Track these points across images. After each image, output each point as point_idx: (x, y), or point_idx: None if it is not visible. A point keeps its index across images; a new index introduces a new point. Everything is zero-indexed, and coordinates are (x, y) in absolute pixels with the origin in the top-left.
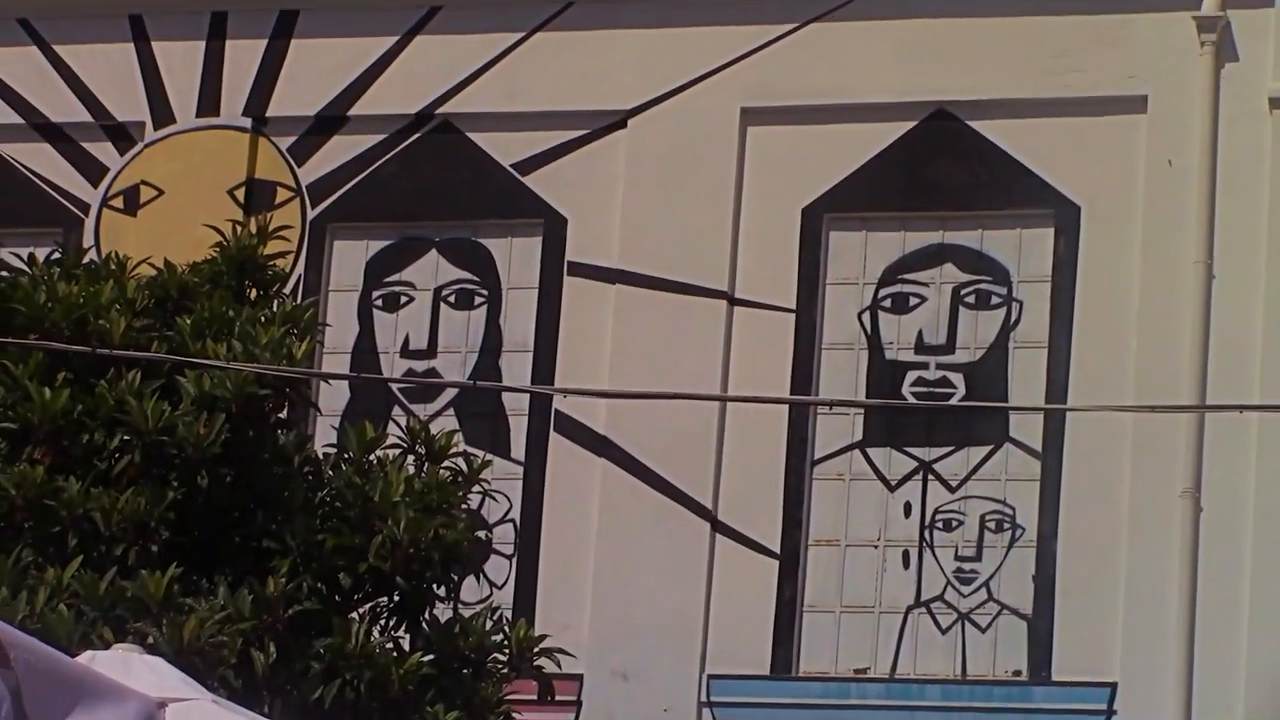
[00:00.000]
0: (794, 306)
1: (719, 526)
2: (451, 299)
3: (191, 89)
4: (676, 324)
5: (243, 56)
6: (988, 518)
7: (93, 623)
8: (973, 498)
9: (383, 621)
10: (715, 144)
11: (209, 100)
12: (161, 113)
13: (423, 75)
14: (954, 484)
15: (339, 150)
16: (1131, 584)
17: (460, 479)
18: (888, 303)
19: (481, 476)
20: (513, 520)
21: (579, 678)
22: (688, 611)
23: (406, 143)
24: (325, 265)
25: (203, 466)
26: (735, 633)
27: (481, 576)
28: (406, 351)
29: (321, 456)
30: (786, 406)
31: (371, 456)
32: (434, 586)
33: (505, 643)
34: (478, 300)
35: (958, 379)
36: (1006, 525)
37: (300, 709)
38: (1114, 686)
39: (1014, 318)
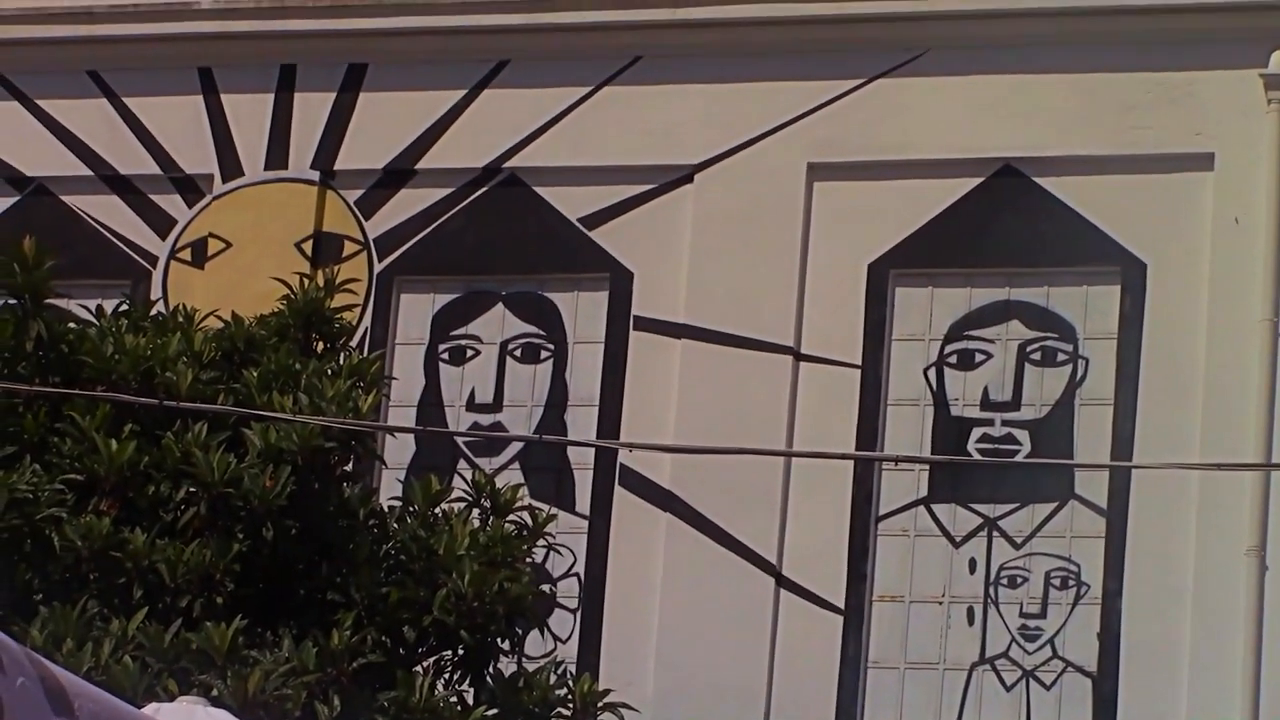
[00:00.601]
0: (859, 362)
1: (783, 581)
2: (517, 353)
3: (260, 142)
4: (742, 379)
5: (311, 109)
6: (1052, 575)
7: (157, 674)
8: (1038, 554)
9: (447, 675)
10: (781, 199)
11: (277, 153)
12: (230, 165)
13: (490, 129)
14: (1019, 540)
15: (406, 204)
16: (1196, 642)
17: (525, 533)
18: (953, 359)
19: (546, 530)
20: (577, 574)
21: None
22: (752, 666)
23: (473, 196)
24: (392, 318)
25: (268, 519)
26: (799, 688)
27: (546, 630)
28: (472, 405)
29: (386, 509)
30: (851, 462)
31: (436, 510)
32: (498, 640)
33: (569, 697)
34: (543, 354)
35: (1023, 436)
36: (1071, 582)
37: None
38: None
39: (1080, 375)
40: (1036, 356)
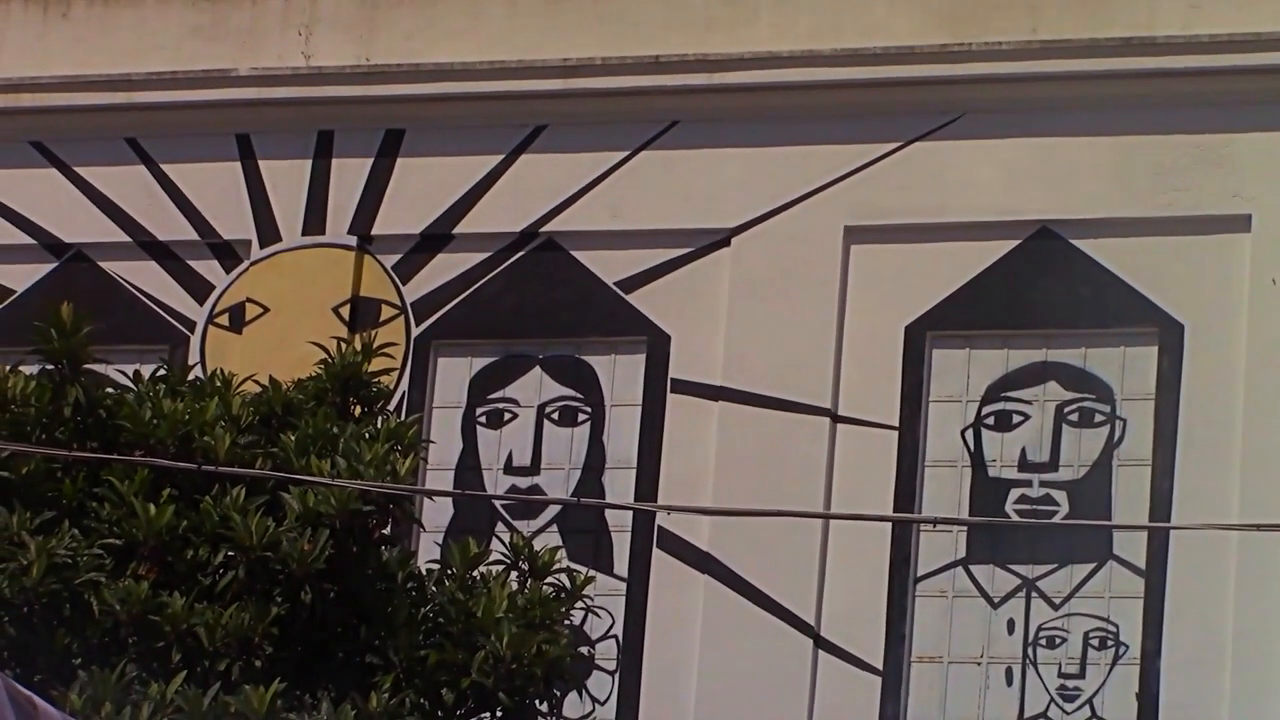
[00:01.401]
0: (897, 424)
1: (822, 643)
2: (555, 416)
3: (297, 207)
4: (779, 441)
5: (348, 175)
6: (1091, 635)
7: None
8: (1076, 615)
9: None
10: (818, 262)
11: (315, 218)
12: (267, 231)
13: (527, 193)
14: (1057, 601)
15: (443, 268)
16: (1236, 703)
17: (563, 595)
18: (991, 420)
19: (584, 593)
20: (615, 636)
21: None
22: None
23: (510, 260)
24: (429, 382)
25: (306, 582)
26: None
27: (584, 692)
28: (510, 468)
29: (425, 572)
30: (890, 524)
31: (474, 573)
32: (537, 702)
33: None
34: (581, 417)
35: (1061, 497)
36: (1110, 643)
37: None
38: None
39: (1117, 436)
40: (1074, 417)
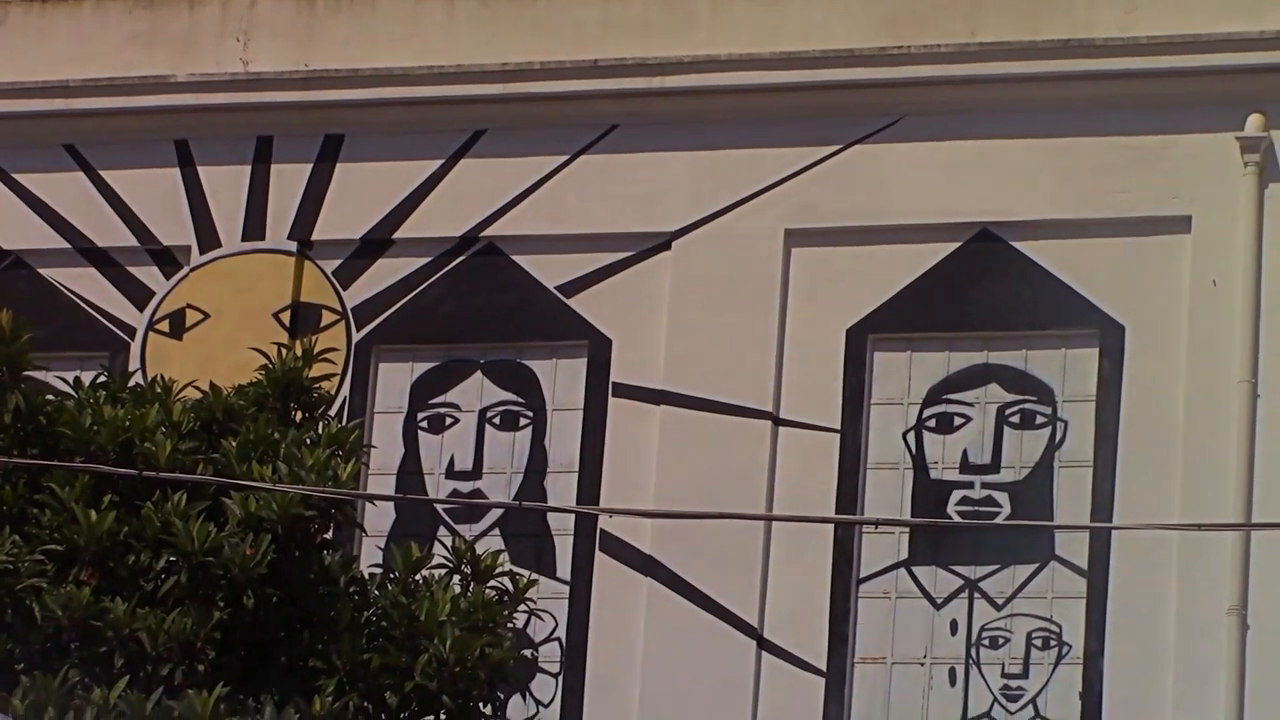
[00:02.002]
0: (839, 426)
1: (765, 644)
2: (496, 420)
3: (237, 213)
4: (721, 444)
5: (288, 181)
6: (1034, 635)
7: None
8: (1019, 615)
9: None
10: (759, 265)
11: (254, 224)
12: (207, 237)
13: (467, 198)
14: (1000, 602)
15: (384, 273)
16: (1178, 701)
17: (506, 598)
18: (932, 423)
19: (527, 596)
20: (559, 639)
21: None
22: None
23: (451, 265)
24: (370, 387)
25: (249, 587)
26: None
27: (528, 695)
28: (452, 472)
29: (367, 577)
30: (832, 525)
31: (417, 576)
32: (480, 705)
33: None
34: (522, 421)
35: (1003, 498)
36: (1053, 643)
37: None
38: None
39: (1059, 437)
40: (1015, 419)
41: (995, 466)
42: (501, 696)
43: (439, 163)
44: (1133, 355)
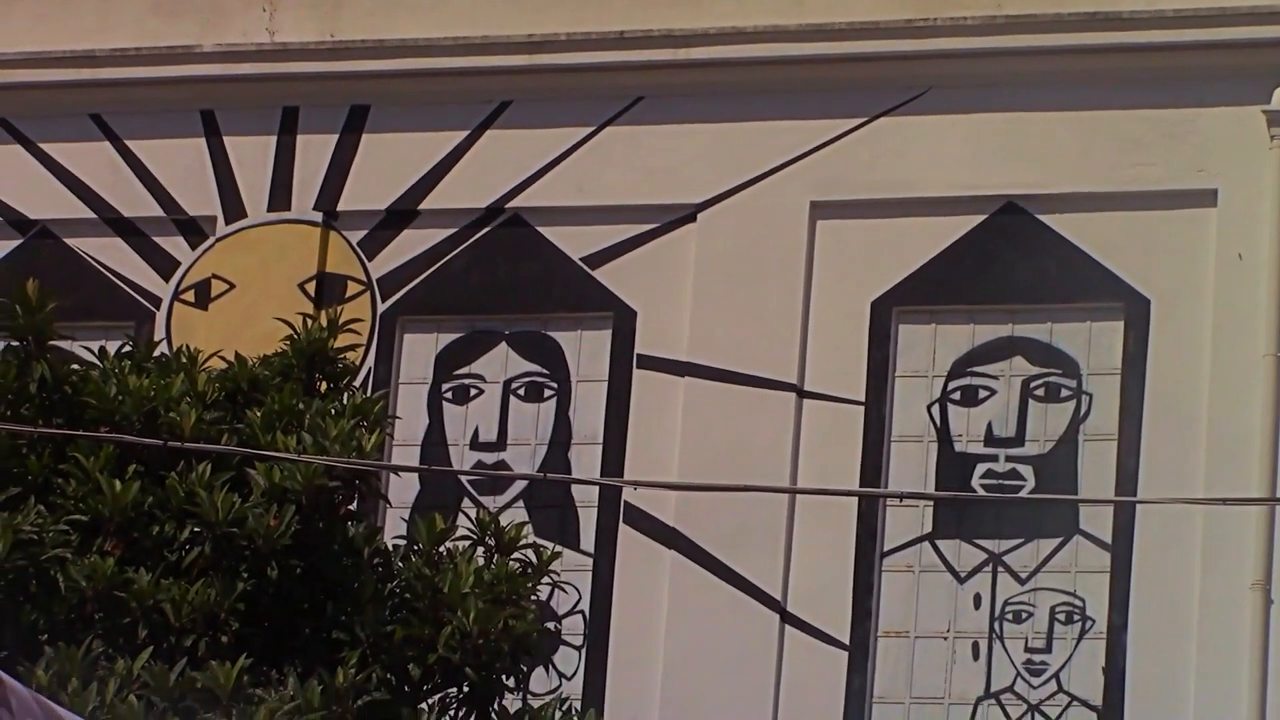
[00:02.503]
0: (863, 399)
1: (788, 618)
2: (521, 392)
3: (263, 183)
4: (745, 417)
5: (314, 151)
6: (1058, 609)
7: (163, 714)
8: (1043, 589)
9: (452, 712)
10: (784, 237)
11: (280, 194)
12: (233, 207)
13: (493, 169)
14: (1024, 576)
15: (409, 244)
16: (1202, 676)
17: (529, 570)
18: (957, 395)
19: (551, 568)
20: (582, 611)
21: None
22: (757, 703)
23: (476, 236)
24: (395, 358)
25: (273, 558)
26: None
27: (551, 667)
28: (476, 444)
29: (391, 548)
30: (856, 499)
31: (441, 548)
32: (503, 677)
33: None
34: (547, 393)
35: (1027, 471)
36: (1076, 617)
37: None
38: None
39: (1084, 410)
40: (1040, 392)
41: (1020, 440)
42: (525, 669)
43: (464, 134)
44: (1158, 328)
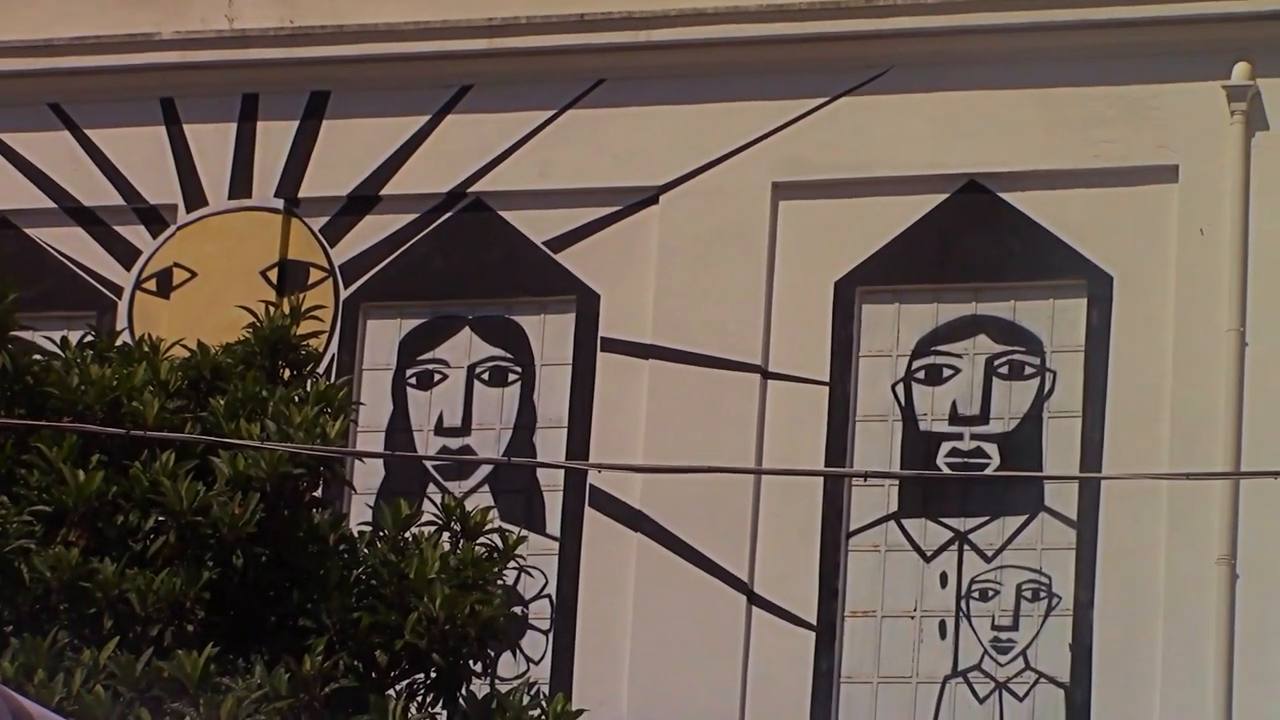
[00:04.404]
0: (827, 379)
1: (755, 599)
2: (485, 376)
3: (223, 171)
4: (710, 398)
5: (274, 138)
6: (1024, 587)
7: (130, 703)
8: (1009, 567)
9: (419, 698)
10: (747, 219)
11: (241, 182)
12: (193, 195)
13: (454, 154)
14: (990, 554)
15: (371, 230)
16: (1168, 651)
17: (496, 555)
18: (921, 374)
19: (517, 552)
20: (549, 596)
21: None
22: (725, 684)
23: (439, 222)
24: (359, 344)
25: (238, 546)
26: (772, 705)
27: (518, 652)
28: (440, 429)
29: (356, 534)
30: (821, 479)
31: (406, 534)
32: (470, 663)
33: (542, 718)
34: (511, 377)
35: (992, 449)
36: (1043, 594)
37: None
38: None
39: (1048, 388)
40: (1004, 370)
41: (984, 418)
42: (492, 654)
43: (426, 119)
44: (1121, 305)
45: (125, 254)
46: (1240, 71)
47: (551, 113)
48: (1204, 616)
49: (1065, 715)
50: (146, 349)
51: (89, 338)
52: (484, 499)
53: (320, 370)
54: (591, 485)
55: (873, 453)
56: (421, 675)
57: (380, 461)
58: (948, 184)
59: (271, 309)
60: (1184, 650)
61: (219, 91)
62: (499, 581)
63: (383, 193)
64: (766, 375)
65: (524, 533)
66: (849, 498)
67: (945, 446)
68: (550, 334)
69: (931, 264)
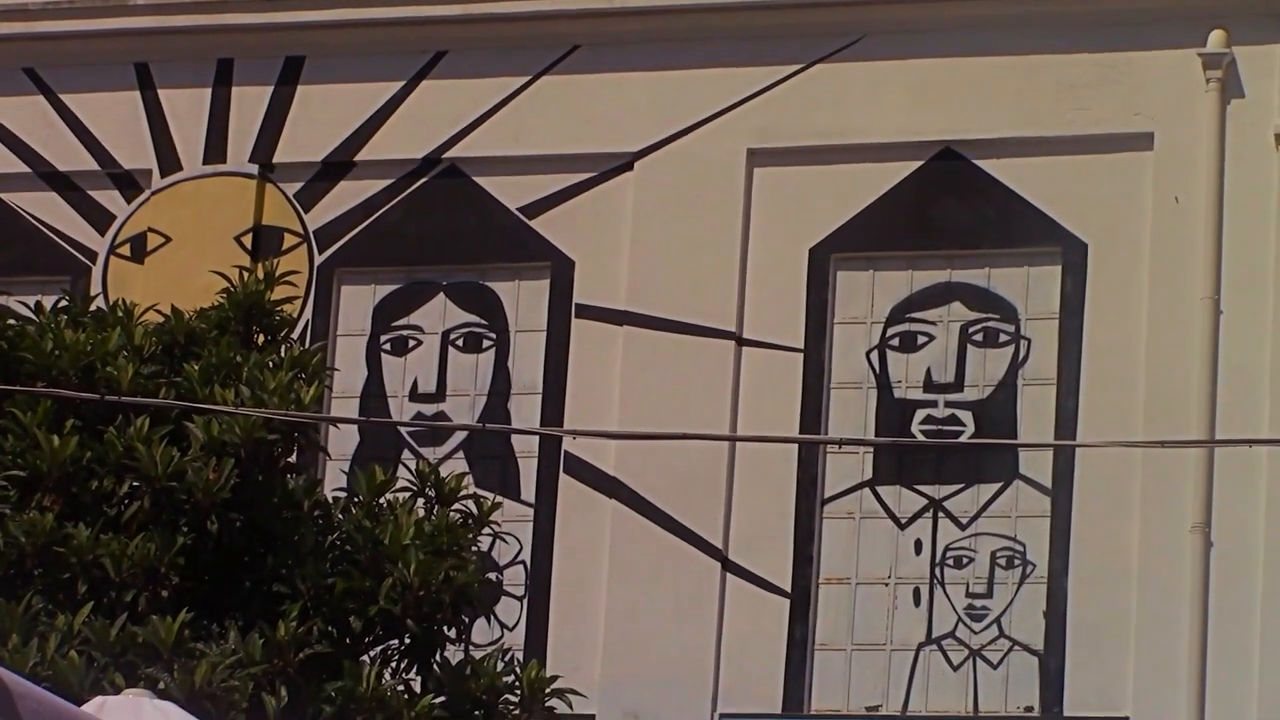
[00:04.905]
0: (802, 346)
1: (729, 566)
2: (459, 342)
3: (198, 136)
4: (685, 365)
5: (249, 103)
6: (998, 554)
7: (104, 669)
8: (983, 535)
9: (394, 664)
10: (722, 185)
11: (215, 147)
12: (168, 160)
13: (429, 120)
14: (964, 521)
15: (346, 196)
16: (1142, 619)
17: (470, 521)
18: (896, 341)
19: (491, 519)
20: (523, 562)
21: (591, 718)
22: (699, 651)
23: (413, 187)
24: (333, 310)
25: (212, 511)
26: (746, 672)
27: (492, 618)
28: (415, 395)
29: (331, 500)
30: (796, 446)
31: (381, 500)
32: (445, 629)
33: (516, 684)
34: (486, 343)
35: (966, 417)
36: (1017, 562)
37: None
38: None
39: (1022, 355)
40: (979, 338)
41: (959, 385)
42: (466, 620)
43: (400, 84)
44: (1095, 272)
45: (100, 219)
46: (1215, 39)
47: (526, 79)
48: (1178, 584)
49: (1039, 682)
50: (121, 314)
51: (63, 303)
52: (458, 465)
53: (294, 336)
54: (566, 452)
55: (847, 420)
56: (396, 641)
57: (355, 427)
58: (922, 151)
59: (246, 274)
60: (1158, 618)
61: (194, 56)
62: (473, 548)
63: (357, 158)
64: (741, 342)
65: (498, 499)
66: (824, 465)
67: (920, 414)
68: (525, 300)
69: (906, 231)
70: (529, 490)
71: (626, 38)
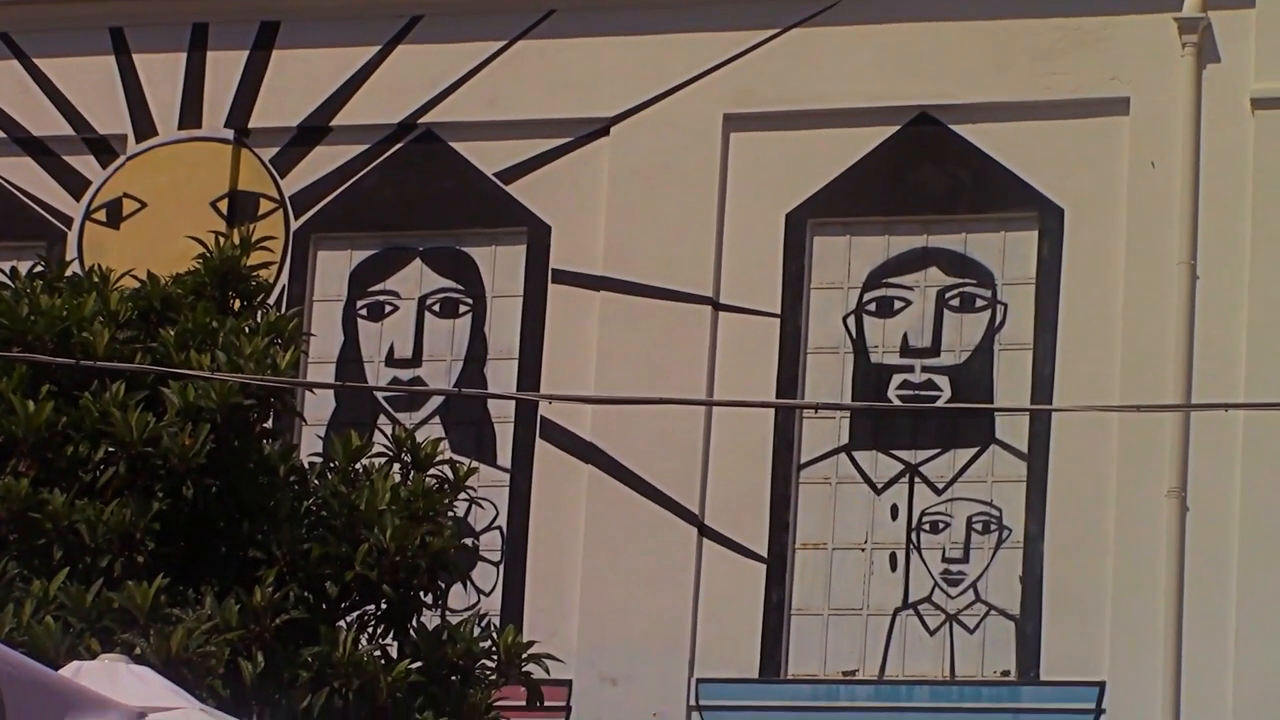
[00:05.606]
0: (779, 311)
1: (706, 531)
2: (436, 308)
3: (173, 101)
4: (661, 330)
5: (224, 68)
6: (974, 519)
7: (80, 634)
8: (959, 500)
9: (370, 629)
10: (698, 150)
11: (191, 112)
12: (143, 125)
13: (405, 85)
14: (940, 486)
15: (322, 161)
16: (1118, 583)
17: (446, 486)
18: (872, 306)
19: (468, 484)
20: (499, 527)
21: (568, 683)
22: (676, 616)
23: (389, 153)
24: (309, 275)
25: (188, 477)
26: (723, 636)
27: (469, 584)
28: (391, 360)
29: (307, 466)
30: (772, 411)
31: (357, 465)
32: (421, 594)
33: (493, 649)
34: (462, 309)
35: (943, 381)
36: (993, 527)
37: (288, 717)
38: (1102, 686)
39: (998, 320)
40: (955, 302)
41: (935, 350)
42: (442, 585)
43: (376, 49)
44: (1072, 237)
45: (75, 184)
46: (1191, 3)
47: (502, 43)
48: (1154, 549)
49: (1015, 647)
50: (96, 279)
51: (38, 268)
52: (435, 430)
53: (270, 301)
54: (542, 417)
55: (824, 385)
56: (372, 607)
57: (331, 393)
58: (899, 116)
59: (221, 240)
60: (1134, 582)
61: (169, 21)
62: (449, 513)
63: (333, 123)
64: (717, 307)
65: (475, 464)
66: (800, 430)
67: (896, 379)
68: (501, 265)
69: (882, 196)
70: (505, 455)
71: (602, 3)
